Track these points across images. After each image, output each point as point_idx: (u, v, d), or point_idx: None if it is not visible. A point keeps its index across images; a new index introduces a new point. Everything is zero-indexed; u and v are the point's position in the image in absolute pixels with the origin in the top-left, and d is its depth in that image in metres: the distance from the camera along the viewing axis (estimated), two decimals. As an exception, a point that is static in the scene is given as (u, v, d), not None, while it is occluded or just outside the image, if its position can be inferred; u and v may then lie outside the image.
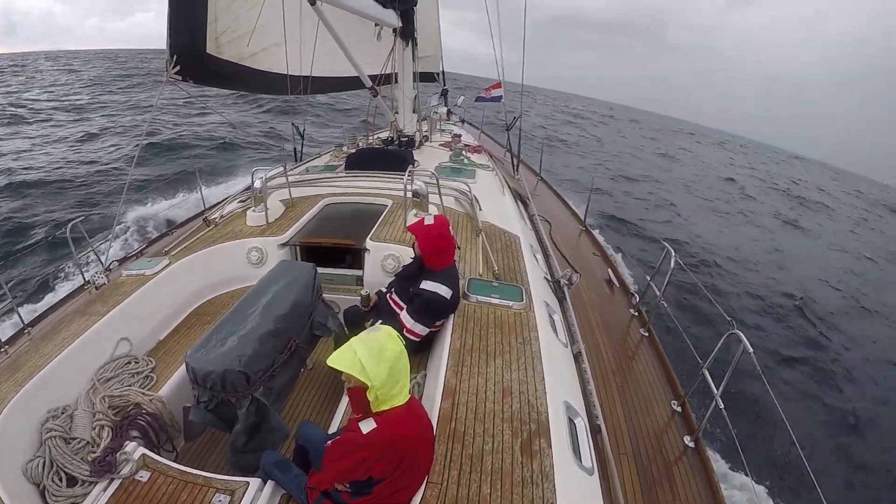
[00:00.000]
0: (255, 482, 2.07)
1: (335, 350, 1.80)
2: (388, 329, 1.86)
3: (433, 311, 3.02)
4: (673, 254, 4.60)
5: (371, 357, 1.71)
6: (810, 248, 18.09)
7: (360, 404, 1.80)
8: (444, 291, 2.97)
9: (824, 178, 56.33)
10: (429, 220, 3.06)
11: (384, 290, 3.45)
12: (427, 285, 2.98)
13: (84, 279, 3.95)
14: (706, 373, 3.51)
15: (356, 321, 3.42)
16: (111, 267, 4.24)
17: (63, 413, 2.63)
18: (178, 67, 5.13)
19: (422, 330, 2.98)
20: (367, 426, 1.77)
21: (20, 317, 3.73)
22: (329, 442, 1.88)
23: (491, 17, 8.00)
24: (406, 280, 3.23)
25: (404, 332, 2.92)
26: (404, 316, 3.02)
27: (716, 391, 3.24)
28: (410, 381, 2.40)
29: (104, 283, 3.81)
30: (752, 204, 24.13)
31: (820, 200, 31.61)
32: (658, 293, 4.85)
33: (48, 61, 63.87)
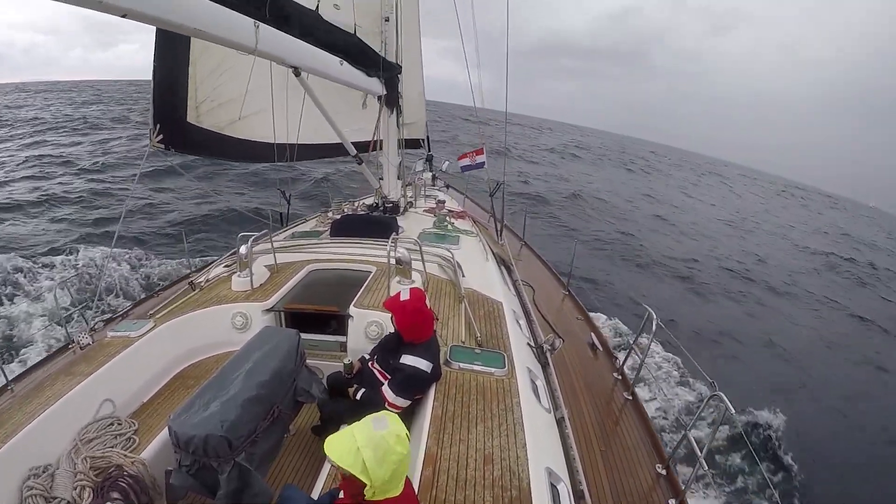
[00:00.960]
0: None
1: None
2: (397, 427, 1.77)
3: (414, 386, 3.08)
4: (654, 316, 4.70)
5: (376, 459, 1.65)
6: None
7: (353, 493, 1.76)
8: (424, 366, 3.03)
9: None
10: (405, 295, 3.12)
11: (367, 356, 3.51)
12: (407, 360, 3.03)
13: (69, 338, 3.99)
14: (690, 436, 3.55)
15: (339, 388, 3.45)
16: (96, 327, 4.27)
17: (44, 472, 2.66)
18: (161, 136, 5.29)
19: (403, 403, 3.03)
20: None
21: (3, 374, 3.75)
22: None
23: (468, 53, 8.08)
24: (387, 352, 3.28)
25: (386, 405, 2.98)
26: (386, 390, 3.05)
27: (699, 453, 3.27)
28: None
29: (89, 344, 3.83)
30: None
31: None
32: (640, 356, 4.92)
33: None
